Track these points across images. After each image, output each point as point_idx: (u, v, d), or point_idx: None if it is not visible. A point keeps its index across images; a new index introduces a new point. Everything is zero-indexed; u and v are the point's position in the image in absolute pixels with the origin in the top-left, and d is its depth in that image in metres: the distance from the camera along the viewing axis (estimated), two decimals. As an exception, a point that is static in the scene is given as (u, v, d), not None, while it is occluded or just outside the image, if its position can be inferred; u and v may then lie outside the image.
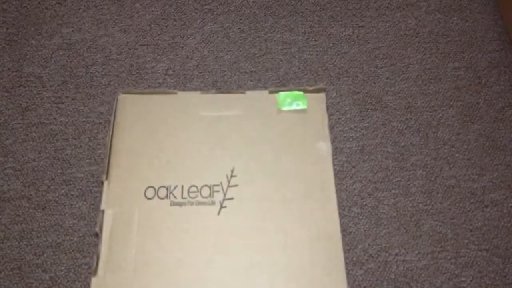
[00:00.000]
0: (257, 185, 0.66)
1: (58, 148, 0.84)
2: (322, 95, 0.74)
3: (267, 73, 0.91)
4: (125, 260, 0.61)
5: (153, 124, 0.71)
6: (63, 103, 0.88)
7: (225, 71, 0.91)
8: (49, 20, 0.96)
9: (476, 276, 0.77)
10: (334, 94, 0.90)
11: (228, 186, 0.65)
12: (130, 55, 0.93)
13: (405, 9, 0.99)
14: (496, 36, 0.97)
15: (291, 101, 0.73)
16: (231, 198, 0.65)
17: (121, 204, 0.65)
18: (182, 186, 0.65)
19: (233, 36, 0.95)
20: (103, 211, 0.65)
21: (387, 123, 0.88)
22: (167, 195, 0.65)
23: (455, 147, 0.86)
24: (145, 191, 0.66)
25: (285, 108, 0.73)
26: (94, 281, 0.60)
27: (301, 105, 0.73)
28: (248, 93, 0.72)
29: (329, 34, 0.96)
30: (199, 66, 0.92)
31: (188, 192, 0.65)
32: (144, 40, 0.95)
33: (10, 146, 0.84)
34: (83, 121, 0.86)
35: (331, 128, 0.87)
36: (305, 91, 0.74)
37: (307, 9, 0.99)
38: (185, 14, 0.98)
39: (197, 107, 0.69)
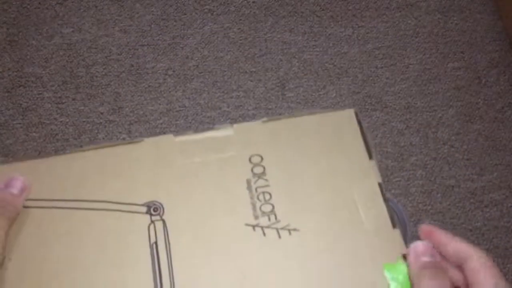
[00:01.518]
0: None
1: (58, 148, 0.84)
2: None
3: (267, 73, 0.91)
4: None
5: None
6: (63, 103, 0.88)
7: (225, 71, 0.92)
8: (49, 21, 0.96)
9: (475, 276, 0.77)
10: (334, 94, 0.90)
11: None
12: (130, 55, 0.93)
13: (405, 9, 0.99)
14: (496, 36, 0.97)
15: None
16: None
17: None
18: None
19: (233, 36, 0.95)
20: None
21: (387, 123, 0.88)
22: None
23: (455, 147, 0.86)
24: None
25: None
26: None
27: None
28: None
29: (329, 34, 0.96)
30: (199, 66, 0.92)
31: None
32: (144, 40, 0.95)
33: (10, 146, 0.84)
34: (83, 121, 0.87)
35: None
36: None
37: (307, 9, 0.99)
38: (185, 14, 0.98)
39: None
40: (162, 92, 0.90)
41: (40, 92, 0.89)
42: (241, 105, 0.89)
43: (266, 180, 0.45)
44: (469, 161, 0.85)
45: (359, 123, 0.52)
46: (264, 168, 0.47)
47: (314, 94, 0.90)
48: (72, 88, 0.90)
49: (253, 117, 0.88)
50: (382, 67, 0.93)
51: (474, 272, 0.33)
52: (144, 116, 0.88)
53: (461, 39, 0.96)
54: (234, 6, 0.99)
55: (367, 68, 0.93)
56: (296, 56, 0.93)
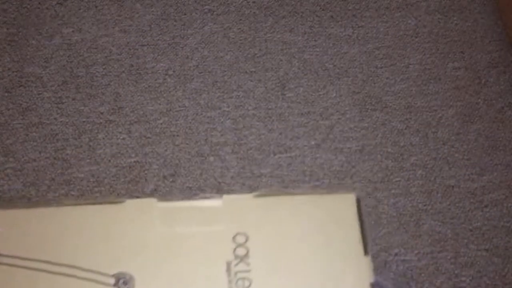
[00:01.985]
0: None
1: (58, 148, 0.84)
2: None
3: (267, 73, 0.92)
4: None
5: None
6: (63, 103, 0.88)
7: (225, 71, 0.92)
8: (49, 21, 0.96)
9: (475, 276, 0.77)
10: (334, 94, 0.90)
11: None
12: (130, 55, 0.93)
13: (405, 9, 0.99)
14: (496, 36, 0.97)
15: None
16: None
17: None
18: None
19: (233, 37, 0.95)
20: None
21: (387, 123, 0.88)
22: None
23: (455, 147, 0.86)
24: None
25: None
26: None
27: None
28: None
29: (329, 34, 0.96)
30: (199, 66, 0.92)
31: None
32: (144, 40, 0.95)
33: (10, 146, 0.84)
34: (83, 121, 0.87)
35: (330, 128, 0.87)
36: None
37: (307, 9, 0.99)
38: (185, 14, 0.98)
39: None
40: (162, 92, 0.90)
41: (40, 92, 0.89)
42: (241, 105, 0.89)
43: (248, 264, 0.42)
44: (469, 161, 0.85)
45: (359, 210, 0.47)
46: (247, 250, 0.43)
47: (314, 94, 0.90)
48: (72, 88, 0.90)
49: (253, 117, 0.88)
50: (382, 67, 0.93)
51: None
52: (144, 116, 0.88)
53: (461, 39, 0.96)
54: (234, 6, 0.99)
55: (367, 68, 0.93)
56: (296, 56, 0.93)
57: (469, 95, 0.91)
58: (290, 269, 0.42)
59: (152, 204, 0.46)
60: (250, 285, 0.41)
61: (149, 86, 0.90)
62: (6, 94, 0.89)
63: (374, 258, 0.78)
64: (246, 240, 0.43)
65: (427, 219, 0.81)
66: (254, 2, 1.00)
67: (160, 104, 0.89)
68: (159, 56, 0.93)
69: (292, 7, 0.99)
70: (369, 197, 0.82)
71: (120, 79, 0.91)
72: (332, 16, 0.98)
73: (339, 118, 0.88)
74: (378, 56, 0.94)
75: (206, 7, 0.99)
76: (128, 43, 0.95)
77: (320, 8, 0.99)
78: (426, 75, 0.93)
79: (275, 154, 0.86)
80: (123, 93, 0.90)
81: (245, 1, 1.00)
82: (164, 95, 0.89)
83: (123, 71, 0.92)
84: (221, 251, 0.42)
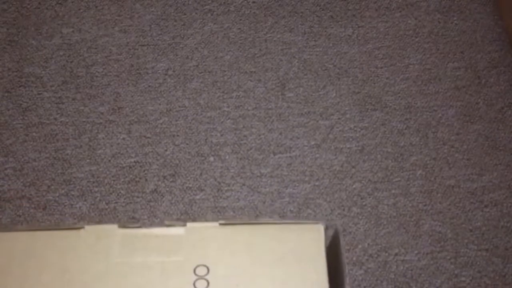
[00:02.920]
0: None
1: (58, 148, 0.84)
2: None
3: (267, 73, 0.92)
4: None
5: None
6: (63, 103, 0.88)
7: (225, 71, 0.92)
8: (49, 21, 0.96)
9: (475, 276, 0.77)
10: (334, 94, 0.90)
11: None
12: (130, 55, 0.93)
13: (405, 9, 0.99)
14: (496, 36, 0.97)
15: None
16: None
17: None
18: None
19: (233, 37, 0.95)
20: None
21: (387, 123, 0.88)
22: None
23: (455, 147, 0.86)
24: None
25: None
26: None
27: None
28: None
29: (329, 34, 0.96)
30: (199, 66, 0.92)
31: None
32: (144, 40, 0.95)
33: (10, 146, 0.84)
34: (83, 121, 0.87)
35: (330, 128, 0.87)
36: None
37: (307, 9, 0.99)
38: (185, 14, 0.98)
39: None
40: (162, 92, 0.90)
41: (40, 92, 0.89)
42: (241, 105, 0.89)
43: None
44: (469, 161, 0.85)
45: (336, 241, 0.43)
46: (208, 283, 0.41)
47: (314, 94, 0.90)
48: (72, 88, 0.90)
49: (253, 117, 0.88)
50: (382, 67, 0.93)
51: None
52: (144, 116, 0.88)
53: (461, 39, 0.96)
54: (234, 6, 0.99)
55: (367, 68, 0.93)
56: (296, 56, 0.93)
57: (469, 95, 0.91)
58: None
59: (112, 231, 0.44)
60: None
61: (149, 86, 0.90)
62: (6, 94, 0.89)
63: (374, 258, 0.78)
64: (207, 273, 0.41)
65: (427, 219, 0.81)
66: (254, 2, 1.00)
67: (160, 104, 0.89)
68: (159, 56, 0.93)
69: (292, 7, 0.99)
70: (369, 197, 0.82)
71: (120, 79, 0.91)
72: (332, 16, 0.98)
73: (339, 118, 0.88)
74: (378, 56, 0.94)
75: (206, 7, 0.99)
76: (128, 43, 0.95)
77: (320, 8, 1.00)
78: (426, 75, 0.93)
79: (275, 154, 0.86)
80: (123, 93, 0.90)
81: (245, 1, 1.00)
82: (164, 95, 0.90)
83: (123, 71, 0.92)
84: (181, 283, 0.41)
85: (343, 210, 0.80)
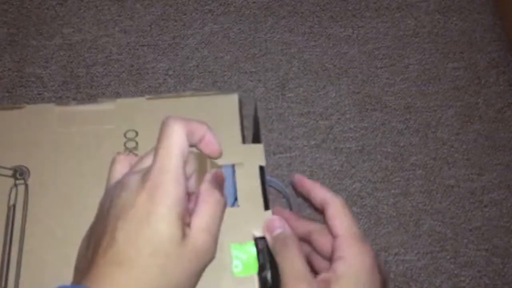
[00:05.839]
0: None
1: (59, 148, 0.84)
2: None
3: (267, 73, 0.92)
4: None
5: None
6: (63, 103, 0.88)
7: (225, 71, 0.92)
8: (49, 21, 0.96)
9: (475, 276, 0.77)
10: (334, 94, 0.90)
11: None
12: (131, 56, 0.93)
13: (405, 9, 0.99)
14: (496, 36, 0.97)
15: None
16: None
17: None
18: None
19: (233, 37, 0.95)
20: None
21: (387, 123, 0.88)
22: None
23: (455, 147, 0.86)
24: None
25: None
26: None
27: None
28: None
29: (329, 35, 0.96)
30: (199, 66, 0.92)
31: None
32: (144, 40, 0.95)
33: (10, 146, 0.84)
34: (84, 121, 0.87)
35: (330, 128, 0.87)
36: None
37: (307, 9, 0.99)
38: (185, 14, 0.98)
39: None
40: (162, 92, 0.90)
41: (40, 92, 0.89)
42: (241, 105, 0.89)
43: (137, 155, 0.44)
44: (469, 161, 0.85)
45: (255, 110, 0.50)
46: (137, 143, 0.47)
47: (314, 94, 0.90)
48: (72, 88, 0.90)
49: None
50: (382, 67, 0.93)
51: (331, 218, 0.37)
52: (144, 116, 0.88)
53: (461, 39, 0.96)
54: (234, 6, 0.99)
55: (367, 68, 0.93)
56: (296, 56, 0.94)
57: (469, 95, 0.91)
58: None
59: (50, 109, 0.49)
60: None
61: (149, 86, 0.90)
62: (7, 94, 0.89)
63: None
64: (136, 135, 0.47)
65: (426, 218, 0.81)
66: (254, 2, 1.00)
67: (160, 104, 0.89)
68: (159, 56, 0.93)
69: (292, 7, 1.00)
70: (369, 197, 0.82)
71: (120, 79, 0.91)
72: (332, 16, 0.98)
73: (339, 118, 0.88)
74: (378, 56, 0.94)
75: (206, 7, 0.99)
76: (128, 43, 0.95)
77: (320, 8, 1.00)
78: (426, 75, 0.93)
79: (275, 154, 0.86)
80: (123, 93, 0.90)
81: (245, 2, 1.00)
82: (164, 95, 0.90)
83: (123, 71, 0.92)
84: (113, 145, 0.46)
85: (343, 210, 0.80)
